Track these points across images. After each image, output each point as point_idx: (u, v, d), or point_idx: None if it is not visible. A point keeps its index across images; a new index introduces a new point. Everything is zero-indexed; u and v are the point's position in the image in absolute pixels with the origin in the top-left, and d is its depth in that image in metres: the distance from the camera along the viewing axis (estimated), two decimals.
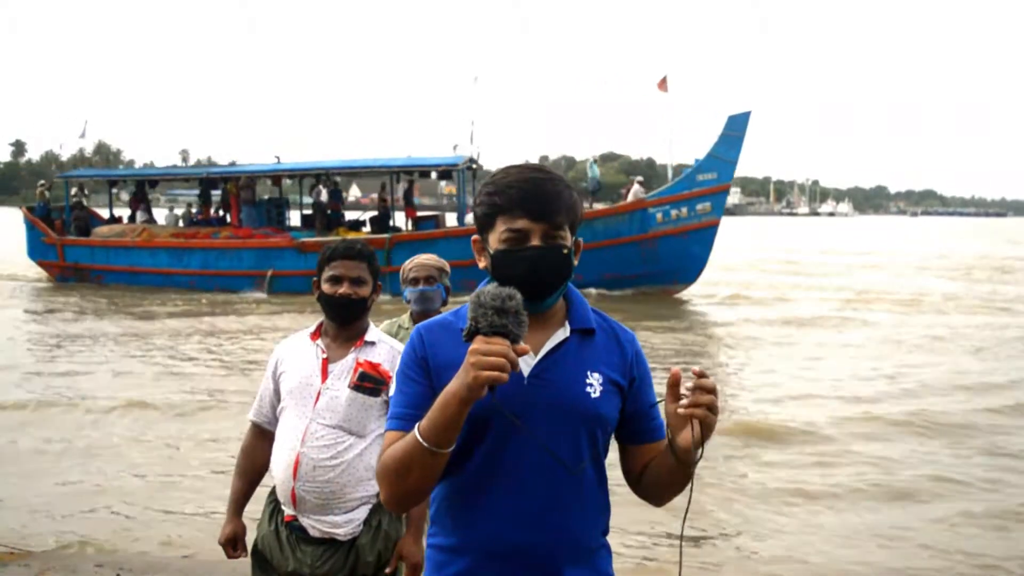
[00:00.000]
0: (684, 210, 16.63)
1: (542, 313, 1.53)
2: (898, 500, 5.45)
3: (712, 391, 1.42)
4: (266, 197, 20.87)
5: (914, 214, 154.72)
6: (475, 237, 1.57)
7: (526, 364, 1.51)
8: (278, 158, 19.97)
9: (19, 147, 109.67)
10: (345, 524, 2.39)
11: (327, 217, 18.14)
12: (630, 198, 17.44)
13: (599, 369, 1.55)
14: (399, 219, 18.61)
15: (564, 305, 1.59)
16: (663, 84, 18.63)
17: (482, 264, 1.56)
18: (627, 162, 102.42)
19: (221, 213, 19.69)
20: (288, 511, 2.42)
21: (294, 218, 20.06)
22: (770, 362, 10.46)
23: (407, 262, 3.22)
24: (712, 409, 1.41)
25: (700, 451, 1.43)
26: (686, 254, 16.66)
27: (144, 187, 20.42)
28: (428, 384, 1.51)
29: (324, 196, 18.45)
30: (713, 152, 16.76)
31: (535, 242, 1.48)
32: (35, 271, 19.49)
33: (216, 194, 20.07)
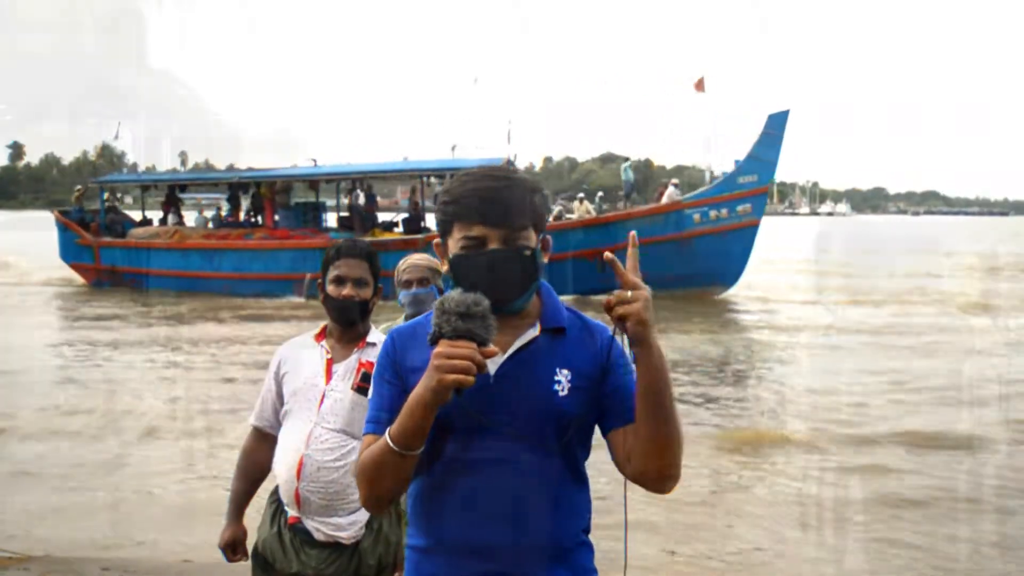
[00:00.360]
0: (724, 211, 16.36)
1: (516, 314, 1.53)
2: (905, 513, 5.32)
3: (624, 277, 1.39)
4: (298, 201, 20.82)
5: (915, 213, 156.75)
6: (436, 241, 1.57)
7: (493, 364, 1.50)
8: (314, 161, 19.92)
9: (17, 150, 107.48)
10: (349, 527, 2.40)
11: (362, 219, 18.08)
12: (664, 201, 17.14)
13: (569, 366, 1.53)
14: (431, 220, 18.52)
15: (539, 305, 1.58)
16: (700, 85, 18.28)
17: (444, 268, 1.57)
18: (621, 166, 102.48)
19: (253, 217, 19.55)
20: (292, 513, 2.42)
21: (328, 221, 20.00)
22: (795, 367, 10.41)
23: (401, 263, 3.16)
24: (627, 300, 1.37)
25: (628, 337, 1.39)
26: (726, 253, 16.26)
27: (175, 191, 20.46)
28: (400, 387, 1.53)
29: (362, 199, 18.54)
30: (753, 153, 16.57)
31: (493, 246, 1.47)
32: (49, 275, 19.48)
33: (245, 198, 20.01)
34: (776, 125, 16.50)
